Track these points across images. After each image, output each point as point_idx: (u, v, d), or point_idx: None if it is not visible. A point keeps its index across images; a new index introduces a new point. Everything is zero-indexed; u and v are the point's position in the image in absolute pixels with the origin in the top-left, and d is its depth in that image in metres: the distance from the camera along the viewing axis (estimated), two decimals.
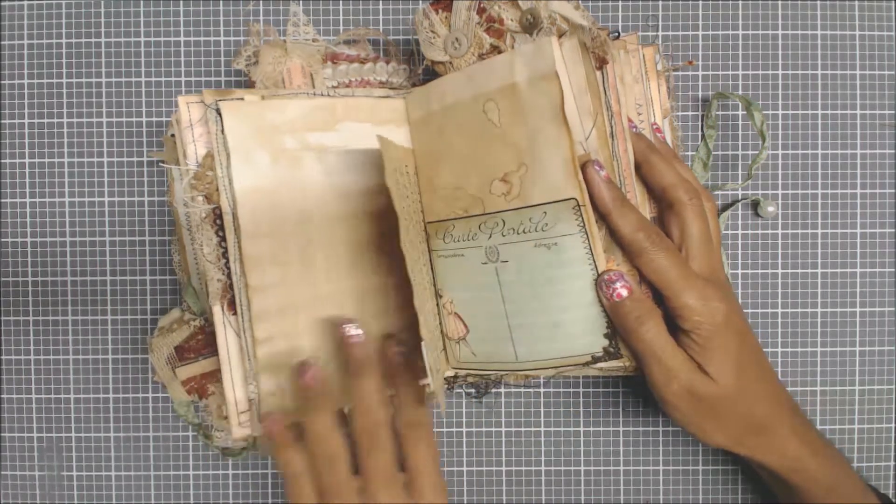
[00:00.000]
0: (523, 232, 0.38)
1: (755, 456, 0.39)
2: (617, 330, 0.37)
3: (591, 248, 0.36)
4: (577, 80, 0.36)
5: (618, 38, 0.41)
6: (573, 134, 0.35)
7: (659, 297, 0.37)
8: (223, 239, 0.38)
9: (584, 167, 0.35)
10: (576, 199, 0.36)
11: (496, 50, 0.38)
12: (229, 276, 0.39)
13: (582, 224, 0.36)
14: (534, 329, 0.39)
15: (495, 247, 0.39)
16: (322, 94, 0.41)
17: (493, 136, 0.38)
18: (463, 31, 0.39)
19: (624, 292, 0.36)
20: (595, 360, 0.38)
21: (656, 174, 0.38)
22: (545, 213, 0.37)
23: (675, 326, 0.37)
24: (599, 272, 0.36)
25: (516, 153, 0.37)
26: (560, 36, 0.36)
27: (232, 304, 0.39)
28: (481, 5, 0.38)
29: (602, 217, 0.36)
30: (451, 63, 0.40)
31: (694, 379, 0.36)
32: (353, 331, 0.39)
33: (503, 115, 0.37)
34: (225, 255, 0.39)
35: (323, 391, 0.38)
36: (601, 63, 0.36)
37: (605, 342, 0.37)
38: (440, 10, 0.39)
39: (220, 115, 0.38)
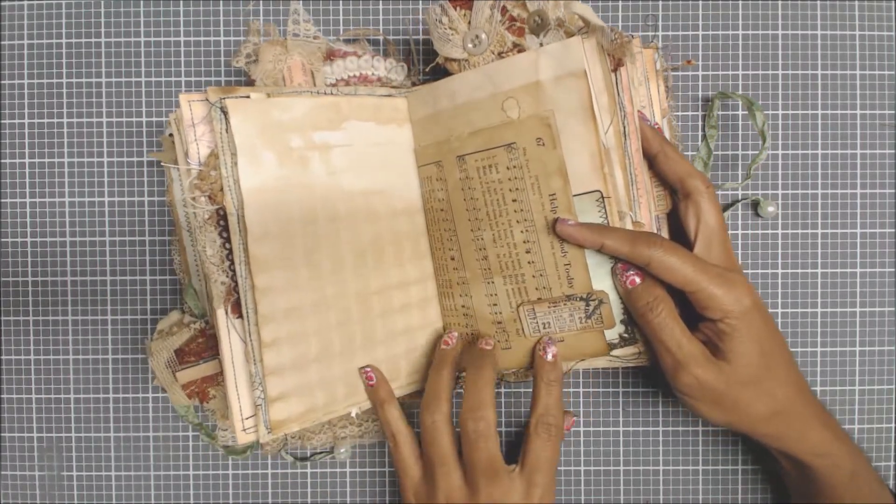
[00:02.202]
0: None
1: (775, 443, 0.39)
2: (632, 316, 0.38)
3: None
4: (596, 79, 0.37)
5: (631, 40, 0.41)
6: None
7: (679, 295, 0.38)
8: (227, 240, 0.38)
9: (555, 226, 0.37)
10: (600, 192, 0.37)
11: (517, 48, 0.38)
12: (234, 278, 0.38)
13: (605, 215, 0.37)
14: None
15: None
16: (326, 93, 0.40)
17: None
18: (484, 29, 0.38)
19: (637, 279, 0.37)
20: (611, 346, 0.39)
21: (672, 164, 0.39)
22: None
23: (698, 318, 0.38)
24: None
25: None
26: (569, 38, 0.36)
27: (236, 307, 0.38)
28: (503, 4, 0.38)
29: (599, 252, 0.38)
30: (466, 61, 0.40)
31: (702, 370, 0.37)
32: (486, 342, 0.41)
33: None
34: (229, 256, 0.38)
35: (454, 354, 0.42)
36: (617, 65, 0.37)
37: (622, 328, 0.39)
38: (459, 7, 0.39)
39: (225, 113, 0.37)
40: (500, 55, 0.39)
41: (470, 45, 0.39)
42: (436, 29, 0.40)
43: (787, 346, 0.39)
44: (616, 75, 0.37)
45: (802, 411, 0.38)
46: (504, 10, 0.38)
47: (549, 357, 0.39)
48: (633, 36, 0.41)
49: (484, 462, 0.38)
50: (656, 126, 0.41)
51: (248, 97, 0.38)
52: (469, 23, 0.39)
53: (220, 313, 0.38)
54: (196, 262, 0.43)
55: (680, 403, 0.39)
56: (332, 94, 0.40)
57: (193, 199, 0.37)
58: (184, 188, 0.38)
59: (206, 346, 0.43)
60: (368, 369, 0.41)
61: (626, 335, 0.39)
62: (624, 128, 0.37)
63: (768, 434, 0.39)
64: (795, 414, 0.38)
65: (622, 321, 0.39)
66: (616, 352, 0.39)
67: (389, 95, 0.42)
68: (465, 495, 0.38)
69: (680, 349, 0.36)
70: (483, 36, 0.39)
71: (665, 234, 0.42)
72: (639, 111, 0.39)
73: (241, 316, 0.38)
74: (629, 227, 0.38)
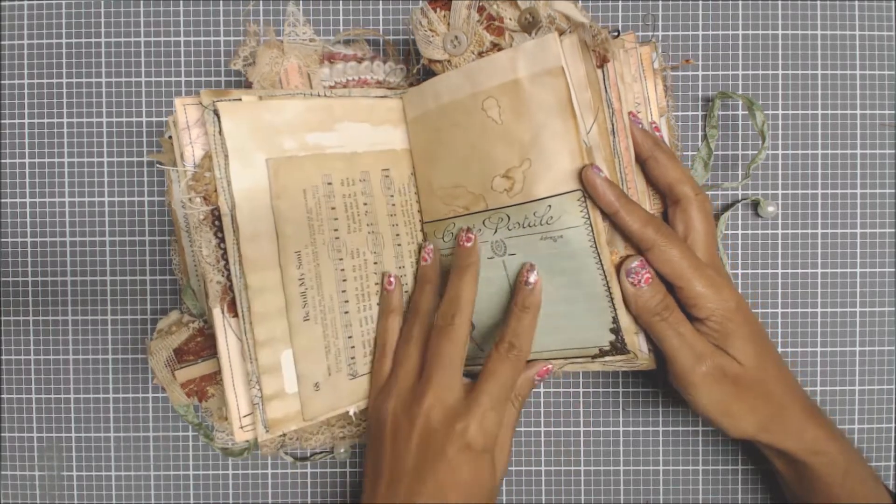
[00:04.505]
0: (528, 226, 0.38)
1: (776, 442, 0.39)
2: (638, 319, 0.38)
3: (595, 240, 0.37)
4: (576, 76, 0.36)
5: (617, 37, 0.41)
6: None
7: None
8: (222, 240, 0.38)
9: (583, 170, 0.36)
10: (581, 191, 0.36)
11: (496, 48, 0.38)
12: (229, 277, 0.38)
13: (587, 216, 0.36)
14: (543, 320, 0.39)
15: (502, 241, 0.39)
16: (319, 95, 0.40)
17: (494, 133, 0.38)
18: (462, 30, 0.39)
19: (650, 279, 0.37)
20: (602, 353, 0.39)
21: (662, 169, 0.39)
22: (549, 206, 0.37)
23: (688, 319, 0.38)
24: (604, 263, 0.37)
25: (519, 149, 0.38)
26: (560, 35, 0.36)
27: (232, 306, 0.39)
28: (481, 4, 0.38)
29: (609, 216, 0.37)
30: (448, 62, 0.40)
31: (722, 359, 0.37)
32: (469, 235, 0.40)
33: (504, 112, 0.38)
34: (224, 256, 0.38)
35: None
36: (602, 61, 0.36)
37: (612, 336, 0.38)
38: (438, 9, 0.39)
39: (217, 115, 0.37)
40: (481, 55, 0.39)
41: (450, 46, 0.39)
42: (418, 31, 0.40)
43: (775, 347, 0.40)
44: (603, 72, 0.37)
45: (797, 410, 0.39)
46: (481, 10, 0.38)
47: (531, 281, 0.39)
48: (619, 33, 0.41)
49: (438, 357, 0.38)
50: (654, 125, 0.41)
51: (239, 100, 0.38)
52: (449, 24, 0.39)
53: (217, 312, 0.39)
54: (194, 263, 0.43)
55: (688, 404, 0.39)
56: (324, 96, 0.40)
57: (189, 200, 0.38)
58: (182, 189, 0.38)
59: (205, 345, 0.43)
60: (392, 276, 0.42)
61: (617, 343, 0.38)
62: (612, 125, 0.37)
63: (770, 435, 0.39)
64: (790, 412, 0.39)
65: (612, 329, 0.38)
66: (607, 358, 0.39)
67: (384, 96, 0.42)
68: (414, 384, 0.39)
69: (697, 342, 0.37)
70: (462, 37, 0.39)
71: None
72: (631, 113, 0.39)
73: (236, 315, 0.38)
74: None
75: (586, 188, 0.36)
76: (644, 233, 0.36)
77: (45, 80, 0.47)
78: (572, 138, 0.36)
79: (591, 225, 0.37)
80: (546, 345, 0.40)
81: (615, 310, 0.38)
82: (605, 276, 0.37)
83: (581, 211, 0.37)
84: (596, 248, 0.37)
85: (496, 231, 0.39)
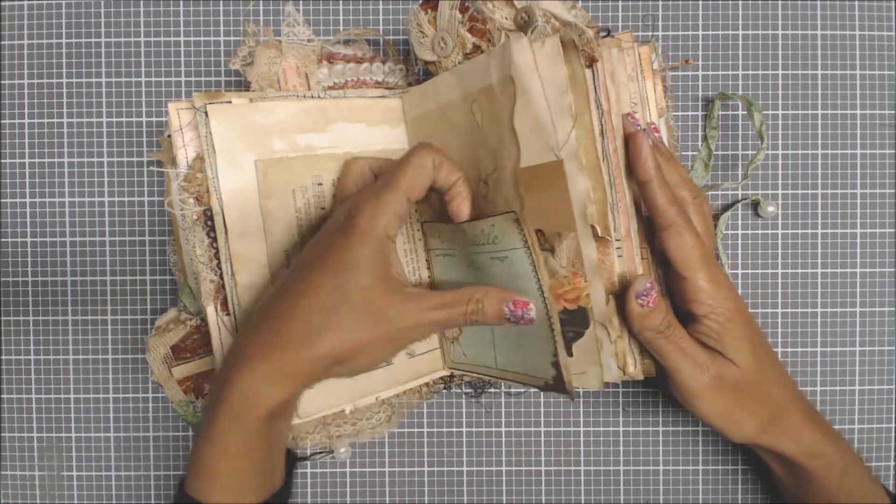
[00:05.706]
0: (479, 244, 0.37)
1: (775, 445, 0.39)
2: (639, 337, 0.37)
3: (534, 264, 0.34)
4: (555, 80, 0.34)
5: (607, 35, 0.40)
6: (546, 137, 0.34)
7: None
8: (215, 240, 0.39)
9: (633, 135, 0.35)
10: (515, 213, 0.34)
11: (478, 49, 0.38)
12: (222, 276, 0.39)
13: (525, 239, 0.34)
14: (507, 339, 0.38)
15: (470, 254, 0.39)
16: (313, 96, 0.41)
17: (478, 136, 0.37)
18: (447, 31, 0.39)
19: (656, 298, 0.36)
20: (547, 386, 0.36)
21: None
22: (493, 225, 0.35)
23: (684, 318, 0.38)
24: (544, 289, 0.34)
25: (493, 156, 0.36)
26: (555, 33, 0.36)
27: (225, 304, 0.39)
28: (464, 4, 0.38)
29: (639, 184, 0.36)
30: (439, 63, 0.40)
31: (721, 366, 0.37)
32: None
33: (483, 117, 0.37)
34: (217, 255, 0.39)
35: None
36: (591, 61, 0.35)
37: (553, 371, 0.35)
38: (428, 10, 0.39)
39: (207, 117, 0.38)
40: (466, 56, 0.38)
41: (437, 48, 0.39)
42: (412, 32, 0.40)
43: (773, 350, 0.40)
44: (593, 72, 0.35)
45: (795, 412, 0.39)
46: (464, 10, 0.38)
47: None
48: (609, 31, 0.40)
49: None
50: (652, 126, 0.41)
51: (230, 102, 0.39)
52: (436, 25, 0.39)
53: (210, 310, 0.39)
54: (191, 261, 0.43)
55: (690, 412, 0.39)
56: (318, 97, 0.41)
57: (182, 200, 0.38)
58: (176, 190, 0.39)
59: (202, 342, 0.44)
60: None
61: (560, 379, 0.35)
62: (602, 126, 0.35)
63: (769, 438, 0.39)
64: (788, 414, 0.39)
65: (553, 364, 0.35)
66: (553, 392, 0.37)
67: (382, 97, 0.42)
68: None
69: (698, 353, 0.37)
70: (448, 38, 0.39)
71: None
72: (630, 114, 0.38)
73: (229, 313, 0.39)
74: (591, 248, 0.35)
75: (629, 147, 0.35)
76: (668, 210, 0.35)
77: (45, 80, 0.47)
78: (513, 154, 0.34)
79: (528, 248, 0.34)
80: (513, 365, 0.38)
81: (555, 343, 0.34)
82: (546, 304, 0.34)
83: (519, 233, 0.34)
84: (535, 272, 0.34)
85: (463, 244, 0.38)
